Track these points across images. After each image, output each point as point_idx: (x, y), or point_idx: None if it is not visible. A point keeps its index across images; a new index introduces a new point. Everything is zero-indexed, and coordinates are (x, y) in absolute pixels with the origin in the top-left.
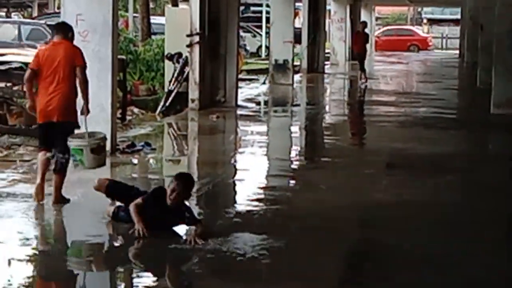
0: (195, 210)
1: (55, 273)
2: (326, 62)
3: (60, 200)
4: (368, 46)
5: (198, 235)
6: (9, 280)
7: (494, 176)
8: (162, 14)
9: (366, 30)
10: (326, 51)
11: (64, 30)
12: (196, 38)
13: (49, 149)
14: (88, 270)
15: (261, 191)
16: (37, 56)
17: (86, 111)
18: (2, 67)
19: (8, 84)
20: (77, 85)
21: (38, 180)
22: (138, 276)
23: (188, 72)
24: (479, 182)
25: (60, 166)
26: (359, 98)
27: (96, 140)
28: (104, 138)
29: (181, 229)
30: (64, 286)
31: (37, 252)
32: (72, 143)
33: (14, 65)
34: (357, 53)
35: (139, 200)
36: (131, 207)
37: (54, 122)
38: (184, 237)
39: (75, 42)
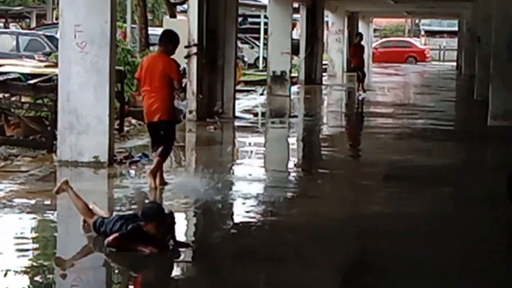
0: (192, 222)
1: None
2: (324, 74)
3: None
4: (365, 57)
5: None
6: None
7: (491, 188)
8: (160, 25)
9: (362, 42)
10: (324, 62)
11: (166, 43)
12: (194, 49)
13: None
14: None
15: (258, 202)
16: (140, 67)
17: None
18: (0, 78)
19: (6, 95)
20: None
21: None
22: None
23: (185, 84)
24: (477, 194)
25: (162, 152)
26: (356, 109)
27: None
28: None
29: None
30: None
31: (34, 264)
32: None
33: (11, 76)
34: (356, 65)
35: (115, 235)
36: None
37: (156, 122)
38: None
39: (72, 52)
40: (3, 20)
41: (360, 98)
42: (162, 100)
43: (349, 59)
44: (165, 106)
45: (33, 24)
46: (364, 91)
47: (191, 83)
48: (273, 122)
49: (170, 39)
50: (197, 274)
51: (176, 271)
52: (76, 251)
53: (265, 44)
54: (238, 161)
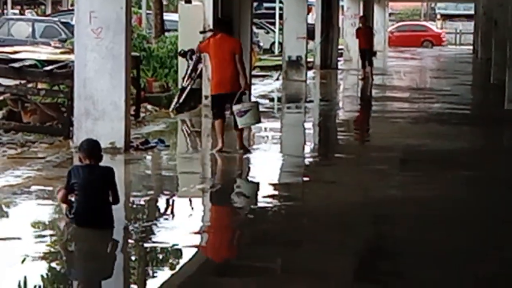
0: (208, 207)
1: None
2: (339, 58)
3: (244, 148)
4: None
5: None
6: (25, 276)
7: (508, 172)
8: (176, 11)
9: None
10: (339, 47)
11: (225, 27)
12: (209, 35)
13: (223, 118)
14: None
15: (275, 187)
16: (207, 44)
17: (245, 86)
18: (16, 65)
19: (22, 82)
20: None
21: (220, 144)
22: None
23: (201, 69)
24: (494, 178)
25: (235, 123)
26: (372, 94)
27: (239, 107)
28: (252, 104)
29: None
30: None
31: (51, 250)
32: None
33: (28, 63)
34: (364, 49)
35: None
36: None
37: (227, 93)
38: None
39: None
40: (19, 7)
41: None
42: (232, 74)
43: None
44: (233, 79)
45: (49, 11)
46: (372, 75)
47: (207, 69)
48: (289, 107)
49: (229, 25)
50: (213, 259)
51: (191, 256)
52: (93, 236)
53: (280, 29)
54: (254, 146)
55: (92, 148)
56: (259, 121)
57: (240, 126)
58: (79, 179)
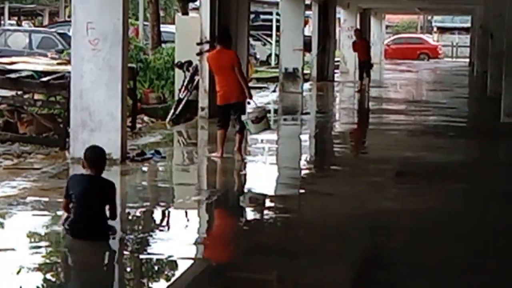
0: (205, 218)
1: (61, 284)
2: (336, 71)
3: (242, 151)
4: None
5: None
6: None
7: (504, 184)
8: (172, 23)
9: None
10: (336, 59)
11: (225, 42)
12: (206, 47)
13: (226, 128)
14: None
15: (271, 199)
16: (207, 62)
17: (248, 95)
18: (13, 75)
19: (19, 93)
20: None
21: (219, 152)
22: None
23: (198, 81)
24: (490, 191)
25: (240, 128)
26: (369, 106)
27: (254, 114)
28: (263, 111)
29: None
30: None
31: (47, 261)
32: (243, 118)
33: (24, 74)
34: (363, 61)
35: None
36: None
37: (231, 103)
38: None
39: (85, 49)
40: (16, 17)
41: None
42: (234, 85)
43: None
44: (237, 90)
45: (46, 22)
46: (368, 87)
47: (203, 80)
48: (285, 119)
49: (228, 38)
50: (209, 271)
51: (186, 268)
52: (88, 248)
53: (277, 41)
54: (250, 158)
55: (94, 156)
56: (269, 127)
57: (253, 132)
58: (77, 189)
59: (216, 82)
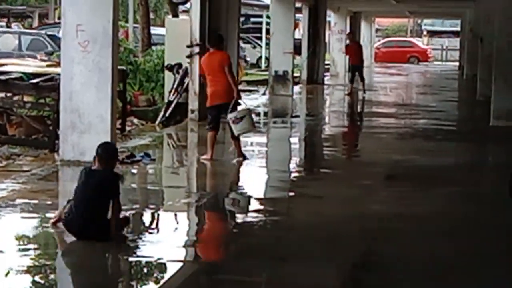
0: (194, 221)
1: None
2: (326, 74)
3: (243, 155)
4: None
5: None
6: None
7: (493, 188)
8: (162, 25)
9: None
10: (326, 62)
11: (217, 44)
12: (196, 49)
13: (216, 130)
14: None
15: (261, 202)
16: (200, 65)
17: (237, 95)
18: (2, 77)
19: (8, 94)
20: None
21: (209, 155)
22: None
23: (188, 83)
24: (479, 194)
25: (232, 133)
26: (358, 109)
27: (233, 114)
28: (244, 111)
29: None
30: None
31: (35, 263)
32: (228, 117)
33: (14, 75)
34: (354, 65)
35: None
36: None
37: (220, 104)
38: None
39: (75, 51)
40: (5, 19)
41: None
42: (223, 86)
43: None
44: (226, 91)
45: (35, 24)
46: (364, 92)
47: (193, 83)
48: (275, 122)
49: (219, 40)
50: (199, 274)
51: (176, 270)
52: (78, 251)
53: (267, 44)
54: (240, 161)
55: (102, 151)
56: (253, 128)
57: (236, 134)
58: (78, 182)
59: (207, 83)
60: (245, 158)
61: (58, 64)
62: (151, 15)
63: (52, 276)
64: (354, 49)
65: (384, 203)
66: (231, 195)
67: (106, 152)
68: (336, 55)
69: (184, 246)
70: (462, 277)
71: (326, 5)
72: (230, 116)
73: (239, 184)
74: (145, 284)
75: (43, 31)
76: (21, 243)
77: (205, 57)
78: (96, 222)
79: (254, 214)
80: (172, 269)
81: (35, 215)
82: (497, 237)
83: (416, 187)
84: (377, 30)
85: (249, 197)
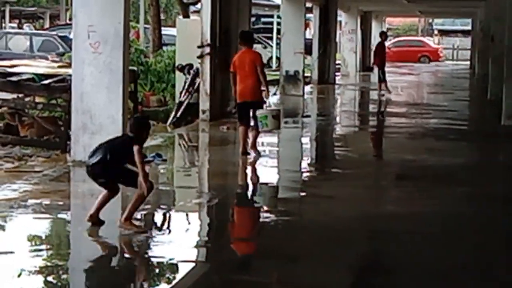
0: (206, 221)
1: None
2: (337, 73)
3: (256, 150)
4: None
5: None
6: None
7: (505, 187)
8: (173, 26)
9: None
10: (337, 62)
11: (249, 41)
12: (207, 50)
13: (247, 125)
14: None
15: (272, 202)
16: (233, 62)
17: (267, 94)
18: (14, 79)
19: (20, 95)
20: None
21: (241, 149)
22: None
23: (199, 83)
24: (491, 194)
25: (256, 125)
26: (369, 109)
27: (274, 110)
28: (279, 110)
29: None
30: None
31: (47, 264)
32: (260, 112)
33: (25, 77)
34: (378, 64)
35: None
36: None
37: (249, 101)
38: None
39: (86, 52)
40: (17, 20)
41: (383, 98)
42: (253, 84)
43: (361, 59)
44: (255, 89)
45: (47, 25)
46: (388, 91)
47: (204, 83)
48: (286, 122)
49: (251, 39)
50: (210, 274)
51: (187, 271)
52: (90, 251)
53: (278, 44)
54: (251, 161)
55: (133, 121)
56: (278, 128)
57: (269, 128)
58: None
59: (238, 80)
60: (258, 154)
61: (69, 65)
62: (162, 16)
63: (64, 276)
64: (376, 50)
65: (395, 203)
66: (242, 195)
67: (136, 123)
68: (346, 55)
69: (195, 247)
70: (472, 280)
71: (337, 5)
72: (260, 111)
73: (250, 184)
74: (157, 284)
75: (54, 32)
76: (33, 243)
77: (238, 55)
78: (109, 165)
79: (266, 214)
80: (183, 269)
81: (47, 215)
82: (509, 237)
83: (428, 187)
84: (388, 29)
85: (260, 197)
